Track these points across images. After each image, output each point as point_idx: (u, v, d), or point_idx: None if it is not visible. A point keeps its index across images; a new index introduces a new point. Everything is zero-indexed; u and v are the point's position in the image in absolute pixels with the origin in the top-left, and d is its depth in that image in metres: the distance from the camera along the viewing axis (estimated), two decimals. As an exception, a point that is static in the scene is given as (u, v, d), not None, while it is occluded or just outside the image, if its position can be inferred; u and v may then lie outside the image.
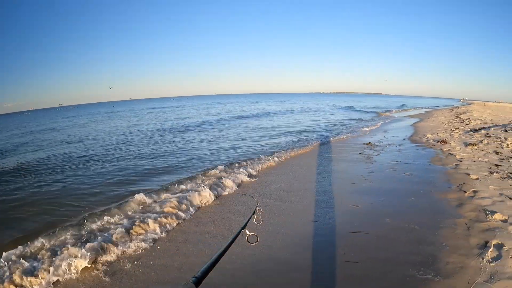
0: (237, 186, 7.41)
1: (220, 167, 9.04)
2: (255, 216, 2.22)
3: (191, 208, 5.97)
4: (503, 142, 11.09)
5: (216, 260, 1.12)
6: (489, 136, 12.85)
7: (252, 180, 8.00)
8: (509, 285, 3.15)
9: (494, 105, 61.55)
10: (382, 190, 6.58)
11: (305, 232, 4.78)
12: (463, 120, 21.29)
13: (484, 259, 3.64)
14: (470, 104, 63.29)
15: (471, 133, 14.17)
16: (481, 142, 11.26)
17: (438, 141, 11.67)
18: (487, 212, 4.94)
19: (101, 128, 26.83)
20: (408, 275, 3.46)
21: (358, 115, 31.80)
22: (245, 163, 9.73)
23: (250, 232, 1.83)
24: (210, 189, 6.76)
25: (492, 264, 3.53)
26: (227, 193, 6.98)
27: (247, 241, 1.81)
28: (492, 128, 15.92)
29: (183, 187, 7.36)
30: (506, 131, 14.66)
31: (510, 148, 10.09)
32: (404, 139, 13.39)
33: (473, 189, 6.03)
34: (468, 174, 7.02)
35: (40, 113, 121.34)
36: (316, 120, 25.88)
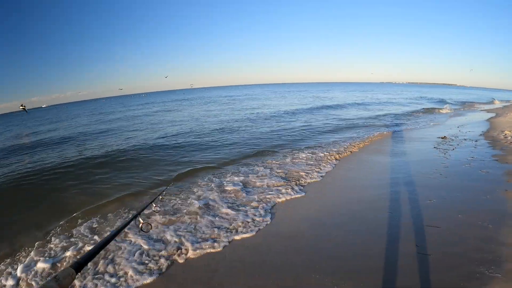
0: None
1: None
2: (154, 205, 2.42)
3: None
4: None
5: (101, 247, 1.18)
6: None
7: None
8: None
9: None
10: (456, 186, 6.72)
11: (380, 223, 5.16)
12: (546, 116, 20.05)
13: None
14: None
15: None
16: None
17: None
18: None
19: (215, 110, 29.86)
20: (478, 271, 3.65)
21: (434, 106, 30.88)
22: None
23: (143, 221, 1.84)
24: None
25: None
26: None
27: (141, 229, 1.86)
28: None
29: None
30: None
31: None
32: (481, 134, 13.04)
33: None
34: None
35: (115, 100, 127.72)
36: (392, 110, 25.77)
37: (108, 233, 1.31)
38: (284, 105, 31.53)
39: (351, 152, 10.37)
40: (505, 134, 12.55)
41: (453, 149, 10.15)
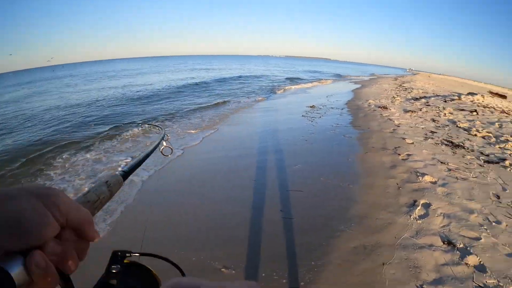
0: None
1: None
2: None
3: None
4: (441, 111, 11.82)
5: (141, 161, 1.17)
6: (429, 105, 13.65)
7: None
8: (434, 240, 3.45)
9: (438, 77, 65.19)
10: (321, 151, 6.87)
11: (246, 192, 4.91)
12: (406, 88, 22.27)
13: (412, 217, 3.95)
14: (415, 74, 66.16)
15: (412, 101, 14.94)
16: (420, 110, 11.95)
17: (379, 107, 12.23)
18: (418, 174, 5.30)
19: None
20: (339, 229, 3.71)
21: (310, 77, 32.26)
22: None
23: (165, 145, 1.83)
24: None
25: (419, 221, 3.83)
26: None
27: (162, 153, 1.82)
28: (433, 98, 16.84)
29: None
30: (445, 101, 15.61)
31: (447, 117, 10.73)
32: (347, 103, 13.85)
33: (407, 153, 6.41)
34: (404, 139, 7.44)
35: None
36: (266, 82, 26.06)
37: (148, 151, 1.31)
38: (157, 82, 29.81)
39: (217, 124, 9.82)
40: (369, 103, 13.40)
41: (320, 117, 10.37)
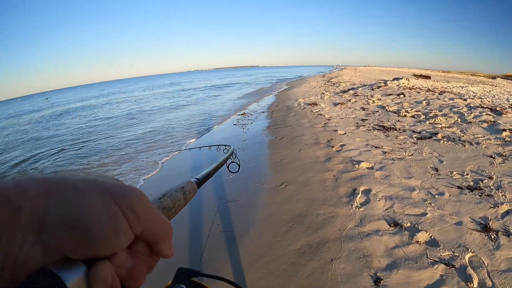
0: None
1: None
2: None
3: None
4: (369, 99, 12.27)
5: (214, 171, 1.10)
6: (357, 95, 14.22)
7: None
8: (379, 225, 3.44)
9: (364, 69, 68.65)
10: (253, 156, 6.81)
11: (182, 212, 4.64)
12: (334, 83, 23.04)
13: (353, 206, 3.92)
14: (342, 69, 69.04)
15: (341, 94, 15.46)
16: (349, 101, 12.39)
17: (308, 104, 12.49)
18: (354, 162, 5.36)
19: None
20: (280, 233, 3.62)
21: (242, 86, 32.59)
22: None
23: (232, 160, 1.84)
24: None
25: (361, 209, 3.82)
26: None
27: (227, 167, 1.80)
28: (360, 88, 17.52)
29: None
30: (372, 89, 16.32)
31: (375, 104, 11.11)
32: (277, 105, 14.06)
33: (340, 144, 6.51)
34: (336, 131, 7.59)
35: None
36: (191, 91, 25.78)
37: (219, 161, 1.31)
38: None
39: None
40: (299, 102, 13.63)
41: (252, 123, 10.40)
